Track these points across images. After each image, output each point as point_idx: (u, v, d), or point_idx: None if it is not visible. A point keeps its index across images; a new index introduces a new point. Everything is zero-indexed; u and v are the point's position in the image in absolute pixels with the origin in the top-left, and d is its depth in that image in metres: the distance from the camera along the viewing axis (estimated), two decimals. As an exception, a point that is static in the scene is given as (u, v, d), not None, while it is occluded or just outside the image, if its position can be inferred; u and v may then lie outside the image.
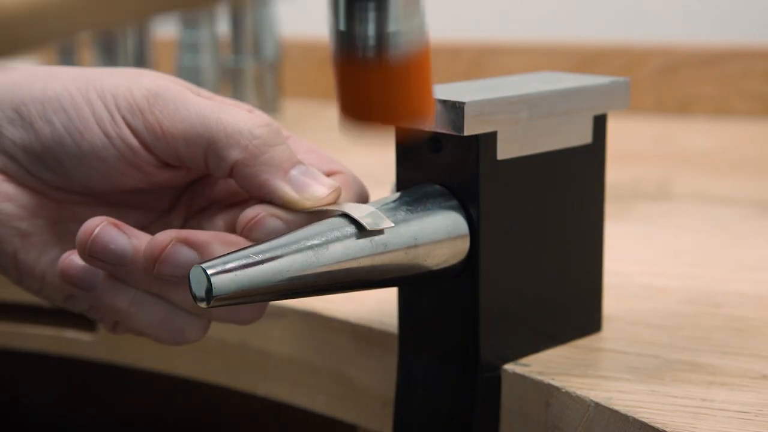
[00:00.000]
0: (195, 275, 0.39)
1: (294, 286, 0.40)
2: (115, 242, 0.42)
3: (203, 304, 0.39)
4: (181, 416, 0.85)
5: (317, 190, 0.43)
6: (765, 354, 0.49)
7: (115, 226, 0.42)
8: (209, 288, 0.38)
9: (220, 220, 0.47)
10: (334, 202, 0.44)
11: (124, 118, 0.44)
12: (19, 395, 0.89)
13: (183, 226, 0.48)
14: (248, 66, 1.04)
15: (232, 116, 0.44)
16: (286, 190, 0.43)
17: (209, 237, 0.42)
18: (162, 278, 0.42)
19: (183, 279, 0.41)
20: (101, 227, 0.42)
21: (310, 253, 0.40)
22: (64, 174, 0.45)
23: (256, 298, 0.40)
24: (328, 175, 0.46)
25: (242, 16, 1.03)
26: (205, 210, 0.48)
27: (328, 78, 1.37)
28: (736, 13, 1.10)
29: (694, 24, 1.12)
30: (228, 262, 0.39)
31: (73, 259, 0.44)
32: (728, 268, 0.61)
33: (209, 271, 0.38)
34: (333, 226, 0.42)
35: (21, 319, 0.68)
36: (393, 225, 0.42)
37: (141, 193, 0.47)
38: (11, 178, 0.45)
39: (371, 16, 0.36)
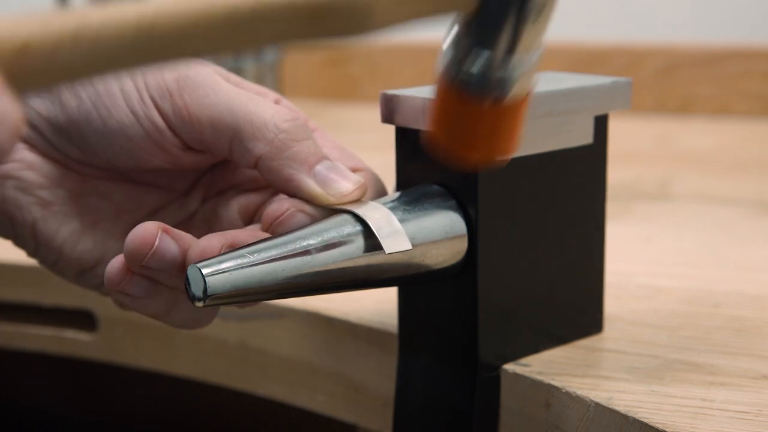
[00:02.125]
0: (192, 275, 0.39)
1: (290, 285, 0.40)
2: (170, 252, 0.41)
3: (200, 303, 0.39)
4: (181, 416, 0.85)
5: (342, 186, 0.43)
6: (765, 354, 0.49)
7: (167, 232, 0.41)
8: (205, 288, 0.39)
9: (236, 204, 0.47)
10: (360, 199, 0.44)
11: (152, 98, 0.44)
12: (19, 395, 0.89)
13: (199, 209, 0.48)
14: (248, 66, 1.04)
15: (260, 108, 0.44)
16: (311, 184, 0.43)
17: (248, 237, 0.42)
18: None
19: None
20: (161, 238, 0.40)
21: (306, 253, 0.40)
22: (87, 149, 0.44)
23: (252, 297, 0.40)
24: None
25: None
26: (222, 193, 0.48)
27: (328, 78, 1.37)
28: (736, 13, 1.10)
29: (694, 24, 1.12)
30: (223, 262, 0.39)
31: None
32: (728, 268, 0.61)
33: (204, 271, 0.39)
34: (330, 225, 0.42)
35: (21, 319, 0.68)
36: (411, 247, 0.42)
37: (163, 173, 0.47)
38: (35, 147, 0.45)
39: (483, 60, 0.36)
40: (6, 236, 0.47)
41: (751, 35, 1.09)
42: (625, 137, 0.96)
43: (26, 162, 0.45)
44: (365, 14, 0.32)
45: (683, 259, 0.63)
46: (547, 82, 0.47)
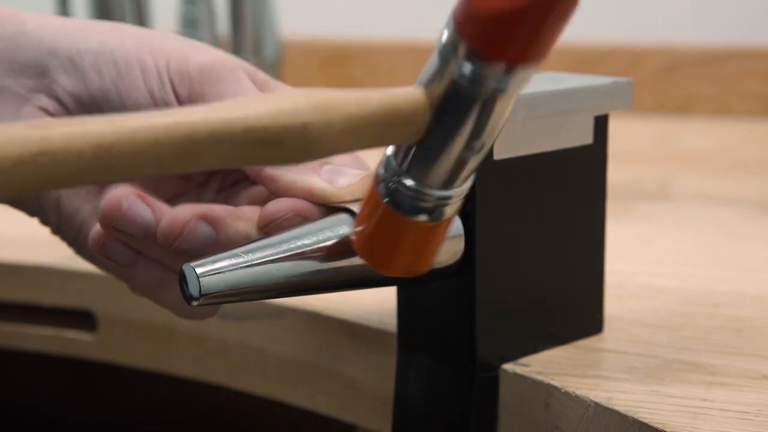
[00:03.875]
0: (188, 274, 0.39)
1: (285, 285, 0.40)
2: (141, 216, 0.42)
3: (195, 303, 0.39)
4: (181, 416, 0.85)
5: (351, 177, 0.43)
6: (765, 354, 0.49)
7: (141, 198, 0.42)
8: (199, 287, 0.39)
9: (245, 195, 0.48)
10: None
11: (171, 82, 0.44)
12: (19, 395, 0.89)
13: (213, 199, 0.48)
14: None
15: None
16: (319, 182, 0.43)
17: (224, 212, 0.42)
18: (178, 252, 0.42)
19: (198, 252, 0.41)
20: (131, 201, 0.41)
21: (301, 253, 0.41)
22: None
23: (247, 296, 0.40)
24: None
25: (242, 16, 1.03)
26: (235, 184, 0.48)
27: (328, 78, 1.37)
28: (736, 13, 1.10)
29: (694, 24, 1.12)
30: (217, 261, 0.39)
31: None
32: (728, 268, 0.61)
33: (198, 271, 0.39)
34: (326, 225, 0.42)
35: (21, 319, 0.68)
36: None
37: None
38: None
39: (418, 187, 0.37)
40: (33, 213, 0.48)
41: (751, 35, 1.09)
42: (625, 137, 0.96)
43: None
44: (314, 145, 0.34)
45: (683, 259, 0.63)
46: (547, 82, 0.47)
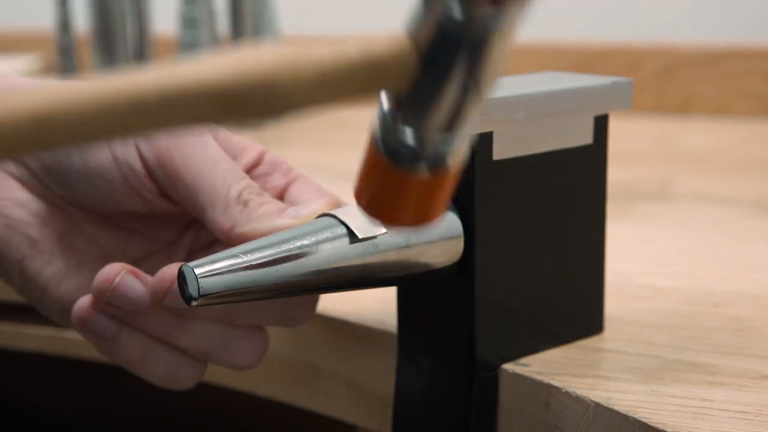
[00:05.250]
0: (187, 275, 0.39)
1: (284, 286, 0.41)
2: (133, 291, 0.43)
3: (194, 303, 0.39)
4: (181, 416, 0.85)
5: (313, 204, 0.44)
6: (765, 354, 0.49)
7: (133, 274, 0.43)
8: (198, 287, 0.39)
9: None
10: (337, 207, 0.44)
11: (136, 143, 0.44)
12: (19, 395, 0.89)
13: (186, 259, 0.48)
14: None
15: (235, 182, 0.44)
16: (287, 222, 0.43)
17: None
18: (170, 310, 0.43)
19: (188, 313, 0.43)
20: (122, 276, 0.43)
21: (300, 254, 0.41)
22: (69, 189, 0.45)
23: (247, 297, 0.40)
24: None
25: (242, 16, 1.03)
26: (210, 246, 0.48)
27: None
28: (736, 13, 1.10)
29: (694, 24, 1.12)
30: (216, 262, 0.40)
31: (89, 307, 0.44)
32: (728, 268, 0.61)
33: (197, 271, 0.39)
34: (324, 225, 0.42)
35: (21, 319, 0.68)
36: (385, 231, 0.42)
37: (147, 220, 0.47)
38: (25, 185, 0.46)
39: (417, 134, 0.34)
40: None
41: (751, 35, 1.09)
42: (625, 137, 0.96)
43: (16, 200, 0.45)
44: (283, 102, 0.31)
45: (683, 259, 0.63)
46: (547, 82, 0.47)
